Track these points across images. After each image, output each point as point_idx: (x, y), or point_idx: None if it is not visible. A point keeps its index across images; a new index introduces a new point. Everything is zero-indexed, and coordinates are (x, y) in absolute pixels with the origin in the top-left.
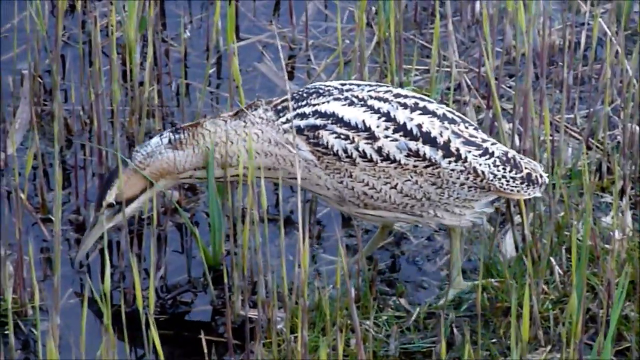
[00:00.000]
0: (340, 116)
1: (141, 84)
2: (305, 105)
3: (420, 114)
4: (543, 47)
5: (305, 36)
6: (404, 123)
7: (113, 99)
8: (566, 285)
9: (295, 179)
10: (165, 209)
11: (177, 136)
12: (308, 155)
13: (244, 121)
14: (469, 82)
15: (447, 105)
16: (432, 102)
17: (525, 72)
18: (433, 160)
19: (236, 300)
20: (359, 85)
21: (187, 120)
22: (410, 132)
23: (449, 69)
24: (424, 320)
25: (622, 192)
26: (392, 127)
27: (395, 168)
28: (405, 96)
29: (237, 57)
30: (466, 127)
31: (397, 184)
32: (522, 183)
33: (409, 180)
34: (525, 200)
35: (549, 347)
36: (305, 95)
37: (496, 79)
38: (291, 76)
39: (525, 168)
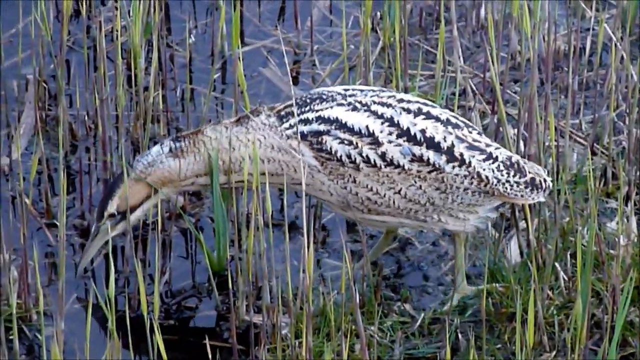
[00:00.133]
0: (343, 122)
1: (146, 89)
2: (308, 111)
3: (423, 119)
4: (548, 52)
5: (310, 41)
6: (408, 128)
7: (118, 104)
8: (571, 290)
9: (299, 184)
10: (170, 214)
11: (177, 144)
12: (312, 161)
13: (246, 127)
14: (474, 88)
15: (452, 110)
16: (435, 107)
17: (530, 77)
18: (437, 165)
19: (241, 306)
20: (362, 91)
21: (192, 125)
22: (414, 137)
23: (454, 75)
24: (429, 325)
25: (627, 197)
26: (396, 132)
27: (399, 173)
28: (409, 101)
29: (242, 62)
30: (470, 132)
31: (401, 189)
32: (526, 188)
33: (413, 185)
34: (530, 206)
35: (553, 353)
36: (308, 101)
37: (501, 84)
38: (296, 81)
39: (529, 172)
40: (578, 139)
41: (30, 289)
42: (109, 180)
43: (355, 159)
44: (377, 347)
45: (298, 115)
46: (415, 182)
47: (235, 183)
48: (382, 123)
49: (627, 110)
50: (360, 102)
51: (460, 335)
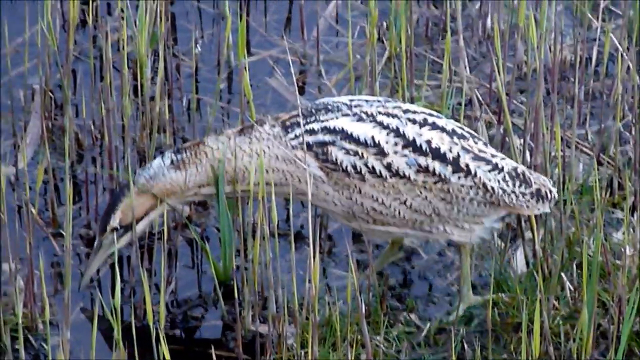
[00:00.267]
0: (349, 132)
1: (152, 98)
2: (314, 122)
3: (429, 130)
4: (554, 62)
5: (316, 51)
6: (414, 139)
7: (124, 113)
8: (577, 301)
9: (303, 194)
10: (175, 224)
11: (179, 156)
12: (317, 172)
13: (249, 137)
14: (480, 98)
15: (458, 120)
16: (441, 118)
17: (536, 87)
18: (443, 176)
19: (247, 316)
20: (367, 101)
21: (198, 135)
22: (420, 147)
23: (460, 85)
24: (435, 335)
25: (634, 208)
26: (402, 143)
27: (405, 184)
28: (415, 112)
29: (248, 72)
30: (475, 143)
31: (406, 199)
32: (531, 198)
33: (419, 195)
34: (536, 216)
35: None
36: (314, 111)
37: (507, 94)
38: (302, 91)
39: (535, 183)
40: (584, 149)
41: (36, 298)
42: (115, 190)
43: (360, 169)
44: (383, 357)
45: (303, 125)
46: (420, 192)
47: (241, 192)
48: (388, 134)
49: (634, 121)
50: (365, 113)
51: (466, 346)
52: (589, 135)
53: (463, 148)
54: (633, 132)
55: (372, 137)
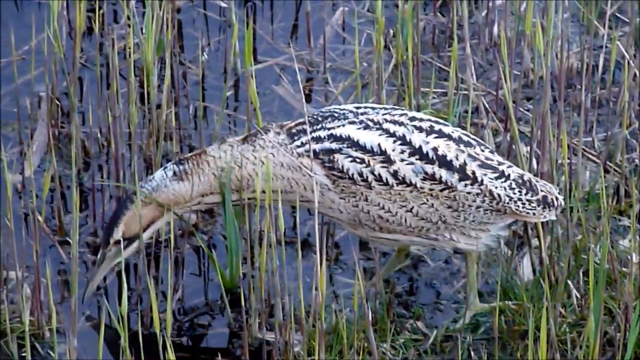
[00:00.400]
0: (355, 140)
1: (159, 106)
2: (320, 129)
3: (435, 137)
4: (561, 70)
5: (323, 59)
6: (420, 146)
7: (130, 121)
8: (583, 308)
9: (308, 202)
10: (182, 231)
11: (181, 167)
12: (323, 179)
13: (253, 145)
14: (487, 105)
15: (465, 128)
16: (447, 126)
17: (543, 95)
18: (449, 184)
19: (253, 323)
20: (374, 109)
21: (204, 142)
22: (426, 155)
23: (466, 92)
24: (442, 343)
25: None
26: (408, 151)
27: (411, 191)
28: (421, 119)
29: (255, 80)
30: (482, 150)
31: (412, 207)
32: (538, 205)
33: (425, 203)
34: (542, 224)
35: None
36: (320, 118)
37: (514, 102)
38: (309, 99)
39: (541, 190)
40: (591, 156)
41: (43, 306)
42: (121, 198)
43: (367, 177)
44: None
45: (310, 133)
46: (427, 200)
47: (248, 200)
48: (394, 141)
49: None
50: (372, 120)
51: (472, 353)
52: (595, 143)
53: (469, 155)
54: (639, 140)
55: (379, 145)
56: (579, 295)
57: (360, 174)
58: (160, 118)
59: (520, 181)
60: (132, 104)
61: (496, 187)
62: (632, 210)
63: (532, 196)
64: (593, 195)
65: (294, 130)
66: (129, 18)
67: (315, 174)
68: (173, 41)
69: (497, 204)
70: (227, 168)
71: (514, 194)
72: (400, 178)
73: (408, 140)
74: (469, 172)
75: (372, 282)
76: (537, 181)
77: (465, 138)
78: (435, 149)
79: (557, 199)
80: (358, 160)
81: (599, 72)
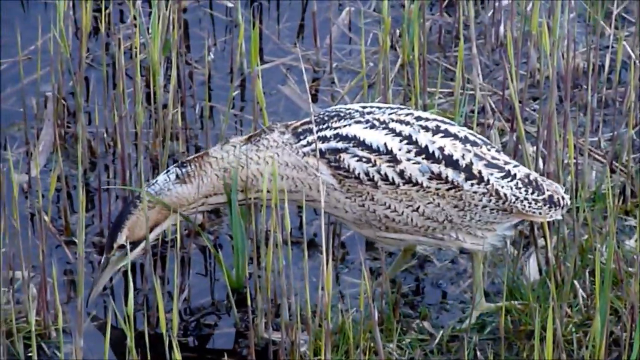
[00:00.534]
0: (361, 139)
1: (165, 106)
2: (326, 129)
3: (442, 137)
4: (567, 70)
5: (329, 59)
6: (426, 146)
7: (137, 121)
8: (589, 308)
9: (314, 201)
10: (188, 232)
11: (183, 170)
12: (329, 179)
13: (257, 145)
14: (493, 105)
15: (471, 128)
16: (453, 125)
17: (549, 95)
18: (455, 183)
19: (259, 323)
20: (380, 108)
21: (211, 142)
22: (433, 154)
23: (473, 92)
24: (448, 343)
25: None
26: (414, 150)
27: (418, 191)
28: (427, 119)
29: (261, 80)
30: (488, 150)
31: (419, 206)
32: (544, 205)
33: (431, 202)
34: (549, 223)
35: None
36: (326, 118)
37: (520, 102)
38: (315, 99)
39: (547, 190)
40: (597, 156)
41: (49, 306)
42: (128, 199)
43: (373, 176)
44: None
45: (316, 132)
46: (433, 199)
47: (254, 199)
48: (401, 141)
49: None
50: (378, 120)
51: (479, 353)
52: (601, 143)
53: (476, 155)
54: None
55: (385, 144)
56: (585, 295)
57: (367, 174)
58: (167, 118)
59: (526, 180)
60: (138, 103)
61: (502, 187)
62: (638, 210)
63: (538, 196)
64: (599, 195)
65: (299, 130)
66: (135, 18)
67: (321, 173)
68: (179, 41)
69: (504, 203)
70: (230, 168)
71: (520, 193)
72: (406, 177)
73: (414, 139)
74: (476, 172)
75: (379, 282)
76: (543, 180)
77: (471, 137)
78: (441, 149)
79: (563, 198)
80: (364, 159)
81: (605, 72)
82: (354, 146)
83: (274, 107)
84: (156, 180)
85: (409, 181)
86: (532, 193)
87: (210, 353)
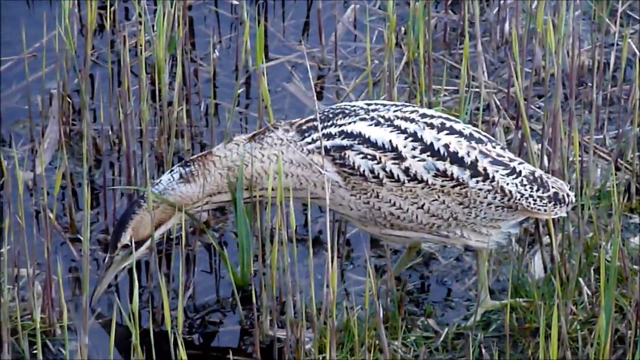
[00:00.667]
0: (366, 136)
1: (170, 103)
2: (331, 126)
3: (447, 134)
4: (572, 67)
5: (334, 56)
6: (431, 143)
7: (142, 118)
8: (595, 306)
9: (319, 198)
10: (193, 229)
11: (187, 169)
12: (334, 176)
13: (261, 143)
14: (498, 103)
15: (476, 125)
16: (458, 122)
17: (554, 92)
18: (461, 180)
19: (264, 321)
20: (385, 105)
21: (216, 140)
22: (438, 152)
23: (478, 90)
24: (453, 340)
25: None
26: (420, 147)
27: (423, 188)
28: (432, 116)
29: (266, 77)
30: (493, 147)
31: (424, 203)
32: (549, 202)
33: (436, 200)
34: (554, 221)
35: None
36: (331, 115)
37: (525, 99)
38: (320, 96)
39: (552, 187)
40: (602, 154)
41: (54, 303)
42: (133, 197)
43: (378, 174)
44: None
45: (321, 130)
46: (438, 197)
47: (259, 197)
48: (406, 138)
49: None
50: (383, 117)
51: (483, 351)
52: (606, 140)
53: (481, 152)
54: None
55: (390, 142)
56: (590, 293)
57: (372, 171)
58: (172, 115)
59: (531, 178)
60: (143, 101)
61: (507, 184)
62: None
63: (543, 193)
64: (604, 192)
65: (304, 127)
66: (140, 15)
67: (325, 170)
68: (184, 38)
69: (509, 200)
70: (234, 167)
71: (525, 190)
72: (411, 175)
73: (419, 137)
74: (481, 169)
75: (384, 280)
76: (548, 178)
77: (476, 135)
78: (446, 146)
79: (568, 196)
80: (369, 156)
81: (610, 70)
82: (359, 143)
83: (279, 104)
84: (160, 180)
85: (414, 178)
86: (537, 190)
87: (215, 350)
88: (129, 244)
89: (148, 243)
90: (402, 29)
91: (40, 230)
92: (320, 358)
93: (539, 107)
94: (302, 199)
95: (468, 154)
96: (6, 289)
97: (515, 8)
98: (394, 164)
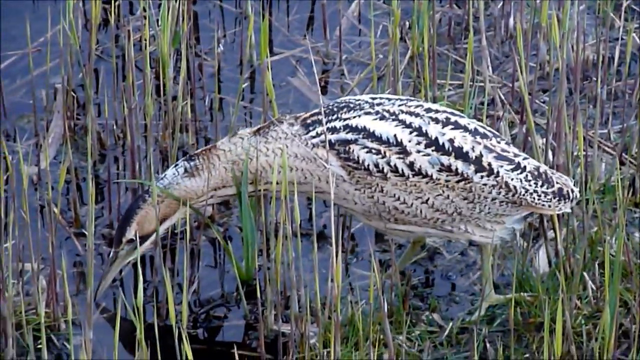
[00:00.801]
0: (371, 130)
1: (174, 98)
2: (336, 120)
3: (452, 129)
4: (577, 62)
5: (338, 51)
6: (436, 138)
7: (146, 113)
8: (599, 300)
9: (323, 192)
10: (198, 223)
11: (192, 163)
12: (338, 170)
13: (265, 137)
14: (503, 97)
15: (481, 120)
16: (463, 117)
17: (558, 87)
18: (465, 175)
19: (269, 315)
20: (389, 100)
21: (220, 134)
22: (442, 146)
23: (482, 84)
24: (457, 335)
25: None
26: (424, 142)
27: (427, 183)
28: (437, 111)
29: (271, 72)
30: (498, 142)
31: (428, 198)
32: (553, 198)
33: (441, 194)
34: (558, 216)
35: None
36: (335, 109)
37: (530, 94)
38: (324, 91)
39: (557, 183)
40: (606, 148)
41: (59, 298)
42: (137, 191)
43: (383, 168)
44: (406, 356)
45: (325, 123)
46: (443, 191)
47: (264, 191)
48: (411, 132)
49: None
50: (388, 111)
51: (488, 345)
52: (611, 135)
53: (485, 147)
54: None
55: (395, 136)
56: (594, 287)
57: (376, 165)
58: (176, 110)
59: (536, 173)
60: (147, 95)
61: (512, 179)
62: None
63: (547, 188)
64: (609, 187)
65: (308, 121)
66: (144, 10)
67: (330, 164)
68: (189, 33)
69: (513, 195)
70: (238, 161)
71: (530, 185)
72: (416, 169)
73: (424, 131)
74: (485, 164)
75: (388, 274)
76: (552, 173)
77: (481, 130)
78: (451, 141)
79: (572, 191)
80: (374, 151)
81: (615, 64)
82: (363, 137)
83: (283, 99)
84: (165, 174)
85: (418, 173)
86: (542, 186)
87: (219, 345)
88: (134, 238)
89: (153, 238)
90: (407, 23)
91: (44, 225)
92: (325, 352)
93: (543, 102)
94: (307, 193)
95: (473, 149)
96: (11, 284)
97: (520, 2)
98: (399, 158)
